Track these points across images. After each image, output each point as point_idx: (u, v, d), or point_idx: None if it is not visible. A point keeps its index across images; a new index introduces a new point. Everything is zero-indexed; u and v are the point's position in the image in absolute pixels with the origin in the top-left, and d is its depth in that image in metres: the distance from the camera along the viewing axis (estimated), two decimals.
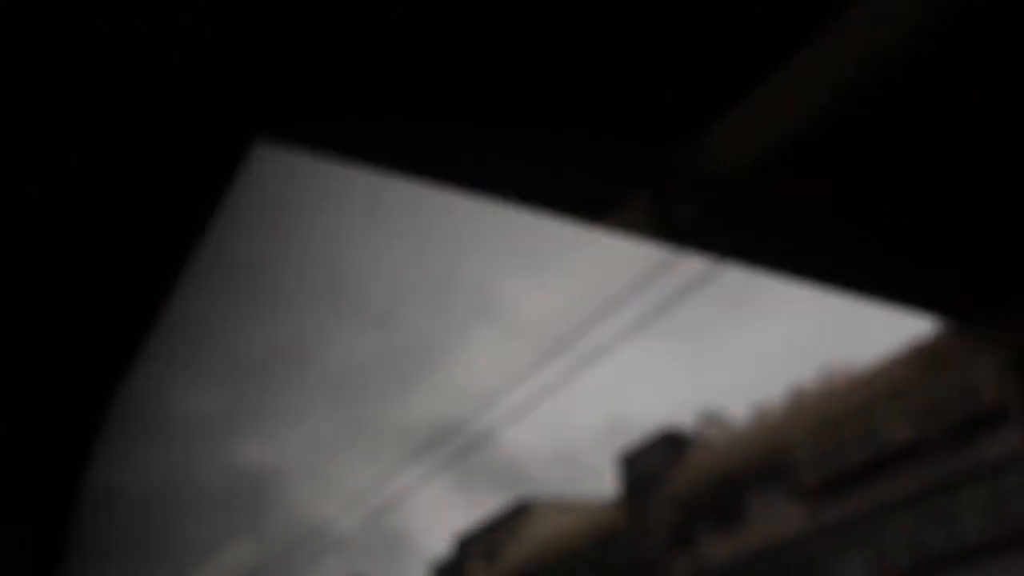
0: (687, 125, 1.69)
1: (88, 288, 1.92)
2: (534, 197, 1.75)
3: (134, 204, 1.75)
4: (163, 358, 2.17)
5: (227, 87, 1.51)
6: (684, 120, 1.69)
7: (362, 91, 1.53)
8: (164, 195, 1.73)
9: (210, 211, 1.69)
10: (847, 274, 1.89)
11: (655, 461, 18.31)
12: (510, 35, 1.45)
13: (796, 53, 1.49)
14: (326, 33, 1.43)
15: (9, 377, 2.14)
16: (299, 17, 1.41)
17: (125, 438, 2.44)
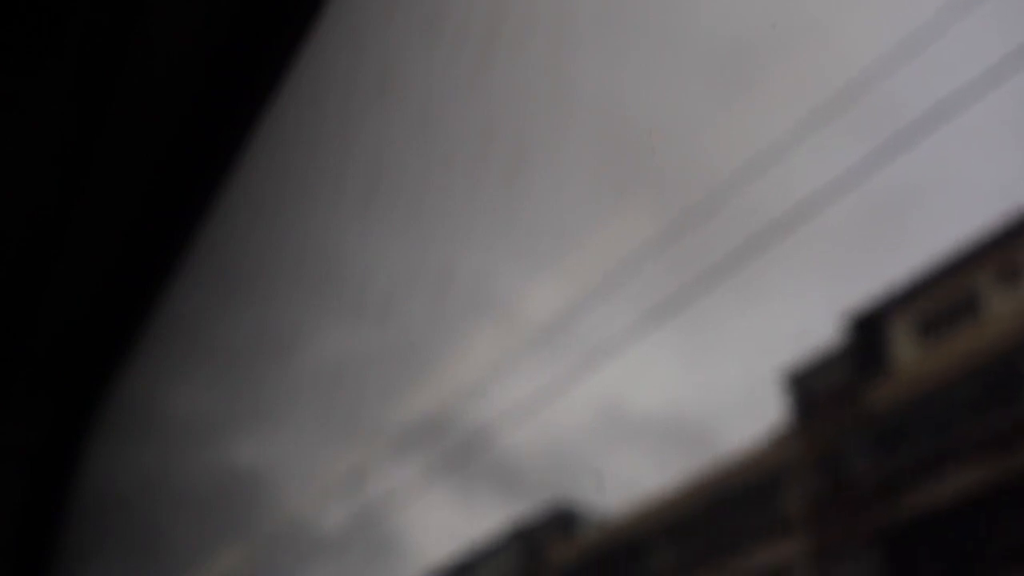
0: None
1: (80, 287, 1.90)
2: None
3: (127, 201, 1.74)
4: (155, 357, 2.15)
5: (222, 80, 1.50)
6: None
7: None
8: (158, 192, 1.71)
9: (204, 209, 1.67)
10: None
11: None
12: None
13: None
14: None
15: (6, 374, 2.12)
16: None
17: (116, 438, 2.41)
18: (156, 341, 2.04)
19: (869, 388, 17.06)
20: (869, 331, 17.74)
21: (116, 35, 1.44)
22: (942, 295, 16.54)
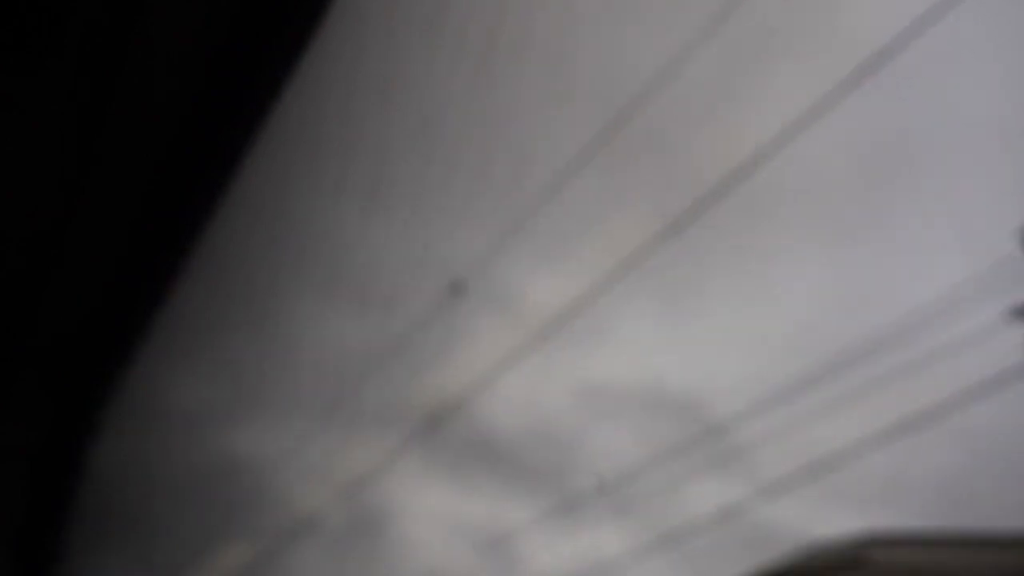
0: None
1: (84, 286, 1.90)
2: None
3: (130, 200, 1.74)
4: (160, 355, 2.15)
5: (223, 80, 1.50)
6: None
7: None
8: (161, 191, 1.71)
9: (207, 207, 1.67)
10: None
11: None
12: None
13: None
14: None
15: (10, 371, 2.13)
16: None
17: (121, 436, 2.42)
18: (161, 339, 2.04)
19: None
20: None
21: (116, 36, 1.44)
22: None
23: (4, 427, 2.25)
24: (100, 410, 2.29)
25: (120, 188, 1.72)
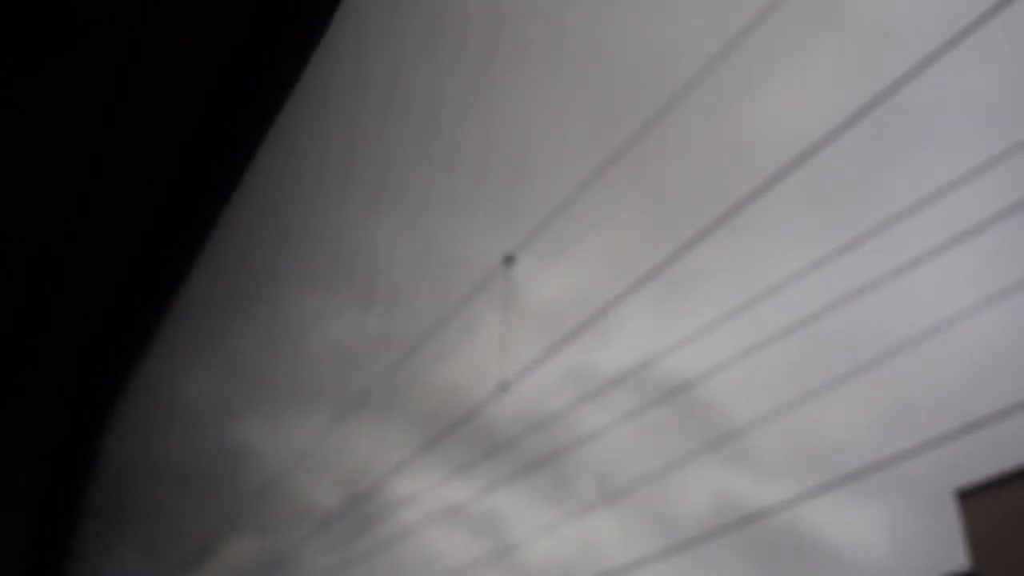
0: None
1: (96, 285, 1.92)
2: None
3: (145, 197, 1.75)
4: (170, 352, 2.17)
5: (233, 80, 1.51)
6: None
7: None
8: (175, 188, 1.72)
9: (216, 208, 1.68)
10: None
11: None
12: None
13: None
14: None
15: (19, 368, 2.14)
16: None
17: (132, 431, 2.44)
18: (170, 336, 2.06)
19: None
20: None
21: (122, 38, 1.45)
22: None
23: (15, 424, 2.27)
24: (111, 406, 2.31)
25: (129, 186, 1.73)
